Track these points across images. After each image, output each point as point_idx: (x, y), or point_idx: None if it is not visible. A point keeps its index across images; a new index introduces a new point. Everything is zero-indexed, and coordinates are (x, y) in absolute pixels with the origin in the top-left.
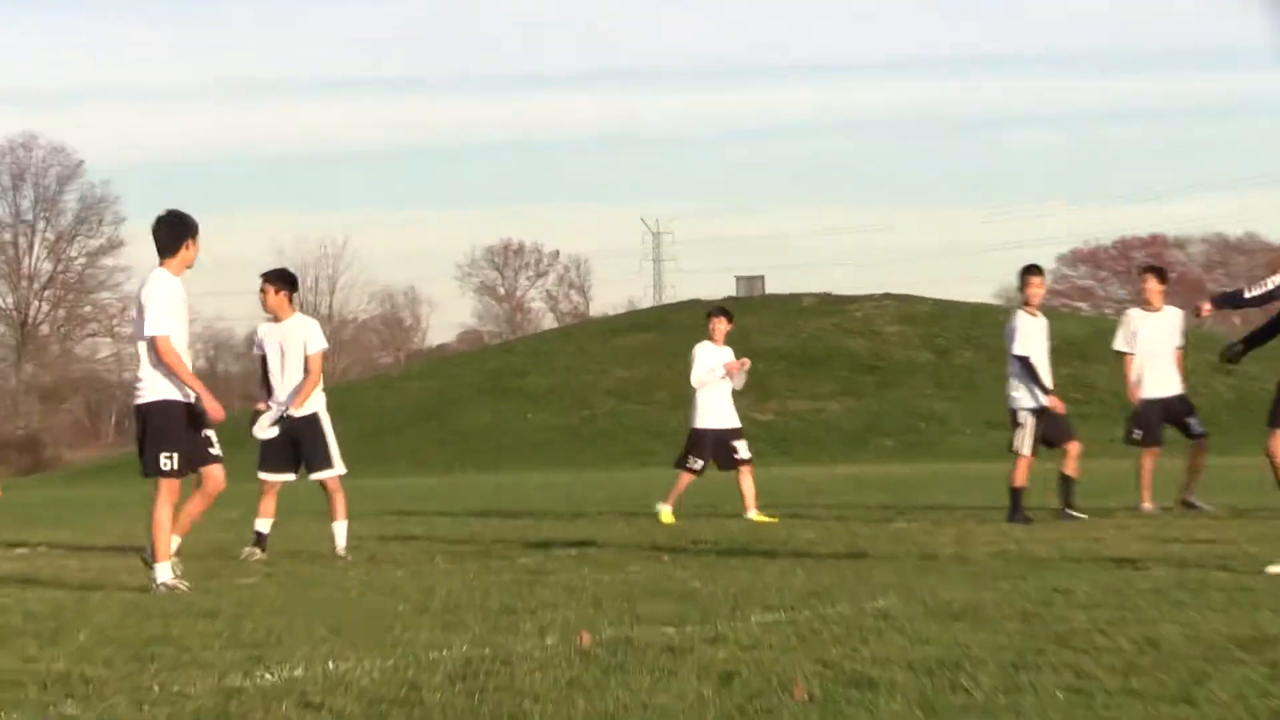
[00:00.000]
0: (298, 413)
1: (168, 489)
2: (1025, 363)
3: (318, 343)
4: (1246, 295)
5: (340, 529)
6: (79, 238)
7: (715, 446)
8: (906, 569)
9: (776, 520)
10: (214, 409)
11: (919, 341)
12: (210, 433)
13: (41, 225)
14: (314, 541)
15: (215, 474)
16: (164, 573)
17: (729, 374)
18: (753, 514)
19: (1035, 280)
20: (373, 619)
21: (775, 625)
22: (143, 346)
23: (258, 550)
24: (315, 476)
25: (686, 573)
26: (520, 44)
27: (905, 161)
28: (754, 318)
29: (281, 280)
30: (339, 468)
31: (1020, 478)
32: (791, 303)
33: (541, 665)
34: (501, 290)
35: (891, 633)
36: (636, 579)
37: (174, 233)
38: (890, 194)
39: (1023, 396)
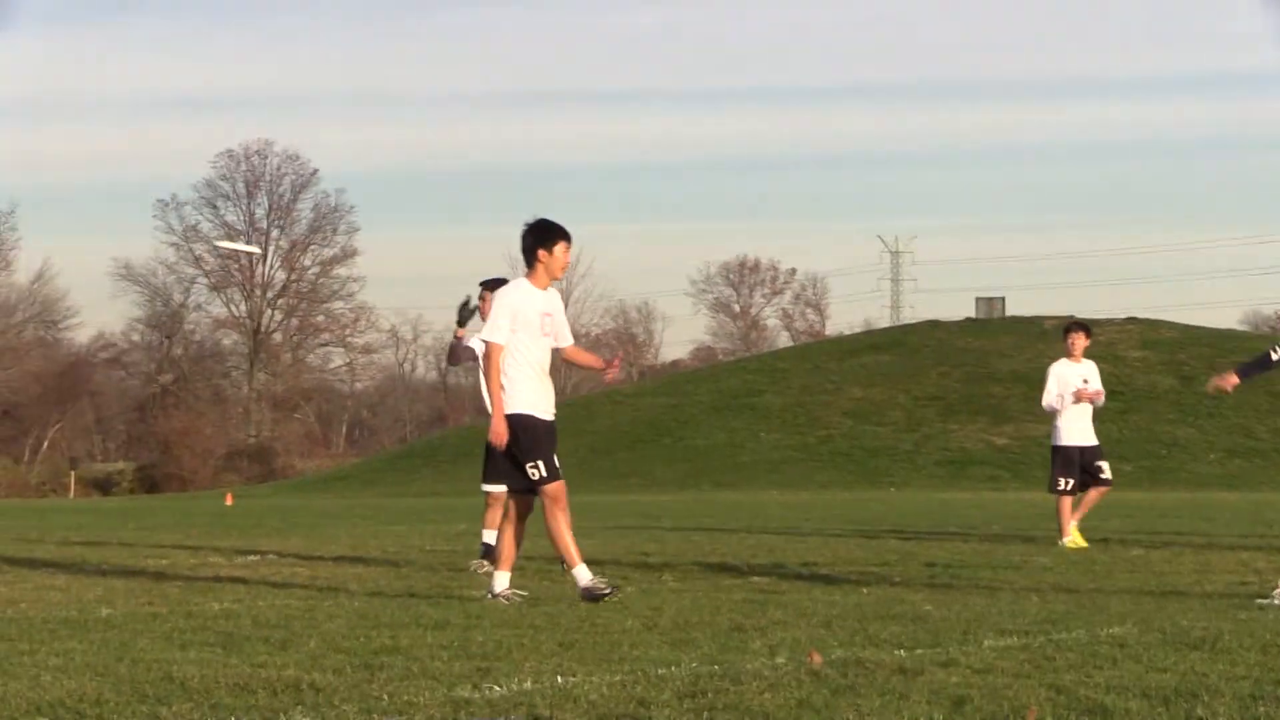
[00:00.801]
0: None
1: (550, 497)
2: None
3: None
4: (1275, 357)
5: None
6: (312, 247)
7: (1080, 464)
8: (1144, 597)
9: (1086, 546)
10: (497, 431)
11: (1162, 367)
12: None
13: (275, 234)
14: (542, 555)
15: (532, 500)
16: (583, 575)
17: (1080, 400)
18: (1068, 538)
19: None
20: (601, 634)
21: (1008, 650)
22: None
23: (486, 563)
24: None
25: (918, 595)
26: (760, 58)
27: (1151, 183)
28: (992, 339)
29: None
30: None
31: None
32: (1032, 325)
33: (771, 685)
34: (736, 307)
35: (1127, 660)
36: (867, 600)
37: (525, 242)
38: (1135, 216)
39: None
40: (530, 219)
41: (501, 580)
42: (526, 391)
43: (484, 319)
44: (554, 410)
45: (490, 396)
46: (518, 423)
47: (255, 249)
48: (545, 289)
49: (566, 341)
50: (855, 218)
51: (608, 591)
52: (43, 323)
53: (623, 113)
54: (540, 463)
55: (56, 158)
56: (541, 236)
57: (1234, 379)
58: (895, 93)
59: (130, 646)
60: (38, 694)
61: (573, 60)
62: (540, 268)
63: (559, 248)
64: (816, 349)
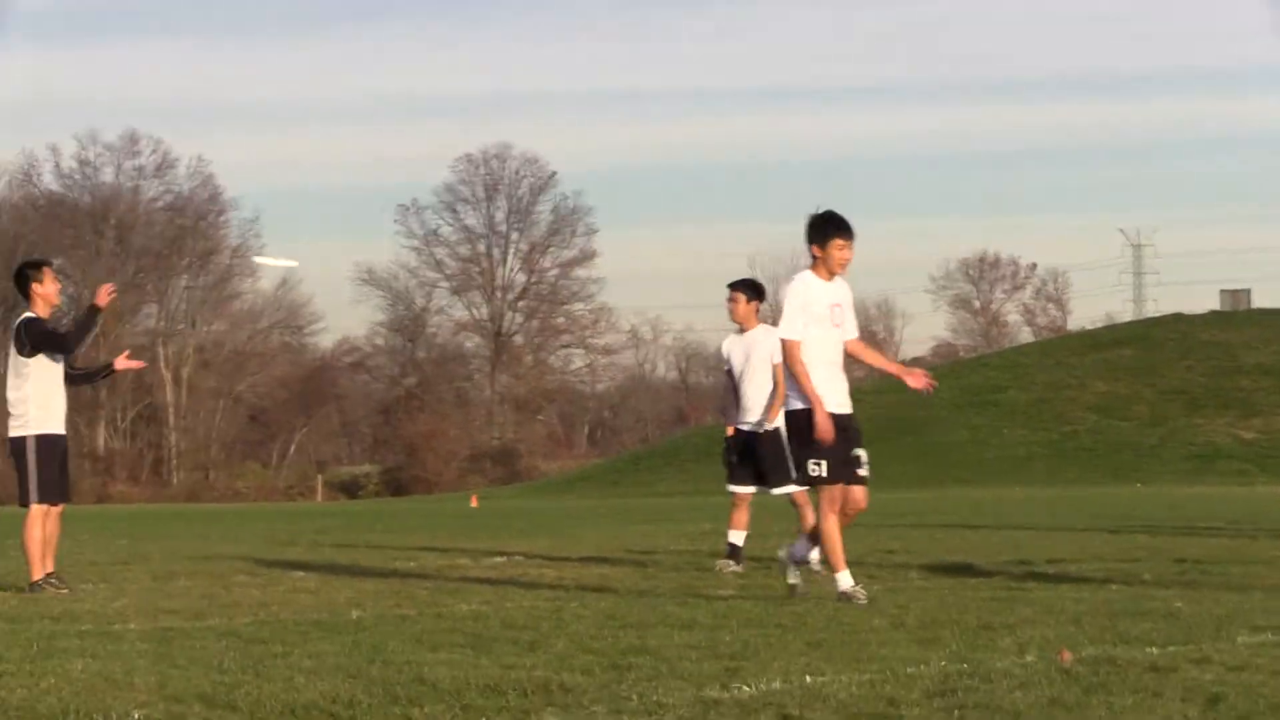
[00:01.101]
0: (769, 426)
1: (826, 497)
2: None
3: None
4: None
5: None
6: (551, 249)
7: None
8: None
9: None
10: (822, 427)
11: None
12: (861, 452)
13: (515, 236)
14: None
15: (855, 495)
16: (844, 581)
17: None
18: None
19: None
20: (848, 633)
21: (1263, 647)
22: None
23: (732, 562)
24: (776, 491)
25: (1168, 592)
26: (998, 50)
27: None
28: (1238, 332)
29: (750, 289)
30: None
31: None
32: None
33: (1022, 683)
34: (977, 303)
35: None
36: (1116, 597)
37: (807, 235)
38: None
39: None
40: (814, 211)
41: (845, 579)
42: (818, 386)
43: (733, 319)
44: (848, 404)
45: (805, 389)
46: (805, 418)
47: (293, 262)
48: (830, 280)
49: (851, 334)
50: (1096, 211)
51: (863, 603)
52: (288, 328)
53: (858, 107)
54: (824, 462)
55: (299, 164)
56: (814, 232)
57: None
58: (1132, 83)
59: (381, 648)
60: (292, 696)
61: (806, 56)
62: (821, 257)
63: (833, 244)
64: (1059, 344)
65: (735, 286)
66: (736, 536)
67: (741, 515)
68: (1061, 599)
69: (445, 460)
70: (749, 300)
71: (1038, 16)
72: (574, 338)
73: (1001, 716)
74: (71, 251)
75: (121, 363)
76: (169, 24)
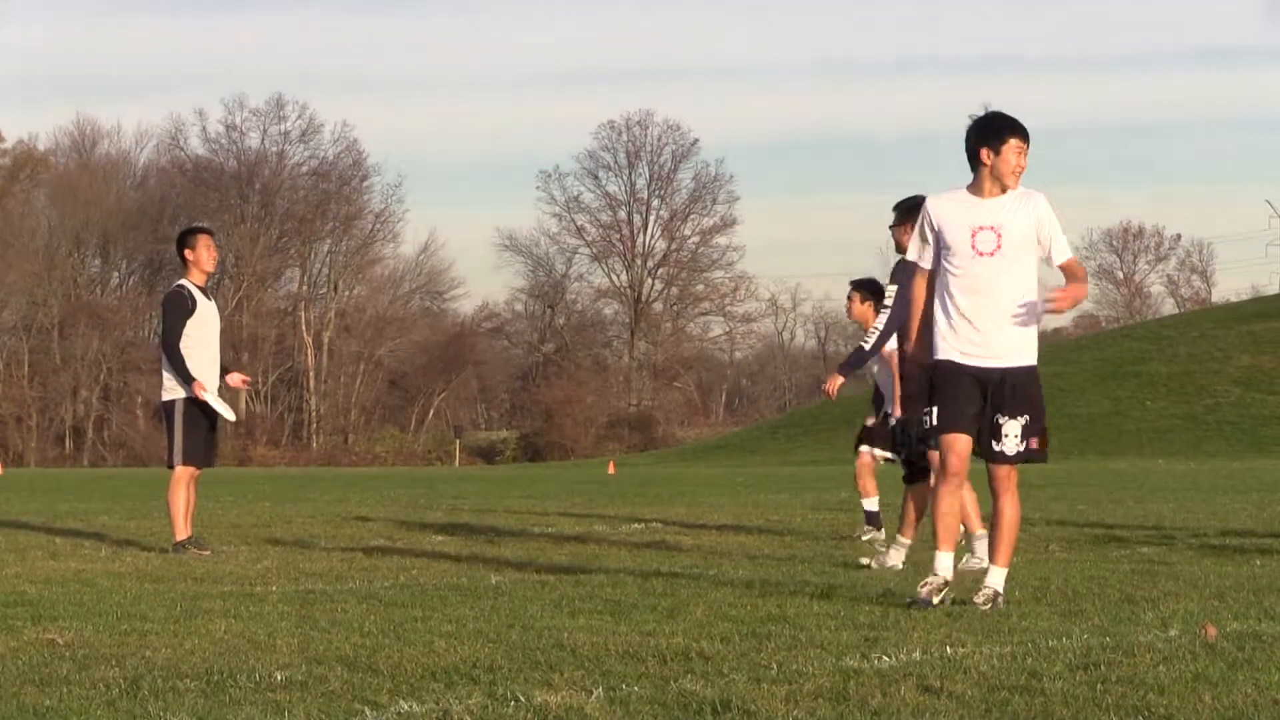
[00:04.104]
0: (896, 417)
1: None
2: None
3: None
4: (866, 348)
5: None
6: (692, 216)
7: None
8: None
9: None
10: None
11: None
12: (1005, 420)
13: (656, 203)
14: (925, 525)
15: (991, 470)
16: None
17: None
18: None
19: None
20: None
21: None
22: None
23: (871, 529)
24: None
25: None
26: (1138, 22)
27: None
28: None
29: (866, 290)
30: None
31: None
32: None
33: (1165, 658)
34: (1120, 274)
35: None
36: (1261, 572)
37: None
38: None
39: None
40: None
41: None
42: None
43: (849, 317)
44: (992, 354)
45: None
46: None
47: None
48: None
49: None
50: (1243, 182)
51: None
52: (429, 294)
53: (998, 78)
54: (933, 410)
55: (442, 131)
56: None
57: (838, 379)
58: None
59: (520, 613)
60: (432, 660)
61: (945, 26)
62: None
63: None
64: (1203, 316)
65: (853, 285)
66: (870, 504)
67: (868, 482)
68: (1205, 573)
69: (583, 426)
70: (862, 300)
71: None
72: (713, 305)
73: (1145, 691)
74: (216, 215)
75: (234, 380)
76: None
